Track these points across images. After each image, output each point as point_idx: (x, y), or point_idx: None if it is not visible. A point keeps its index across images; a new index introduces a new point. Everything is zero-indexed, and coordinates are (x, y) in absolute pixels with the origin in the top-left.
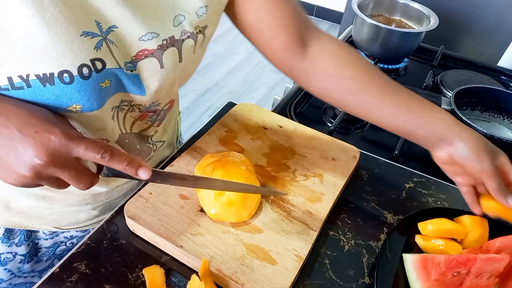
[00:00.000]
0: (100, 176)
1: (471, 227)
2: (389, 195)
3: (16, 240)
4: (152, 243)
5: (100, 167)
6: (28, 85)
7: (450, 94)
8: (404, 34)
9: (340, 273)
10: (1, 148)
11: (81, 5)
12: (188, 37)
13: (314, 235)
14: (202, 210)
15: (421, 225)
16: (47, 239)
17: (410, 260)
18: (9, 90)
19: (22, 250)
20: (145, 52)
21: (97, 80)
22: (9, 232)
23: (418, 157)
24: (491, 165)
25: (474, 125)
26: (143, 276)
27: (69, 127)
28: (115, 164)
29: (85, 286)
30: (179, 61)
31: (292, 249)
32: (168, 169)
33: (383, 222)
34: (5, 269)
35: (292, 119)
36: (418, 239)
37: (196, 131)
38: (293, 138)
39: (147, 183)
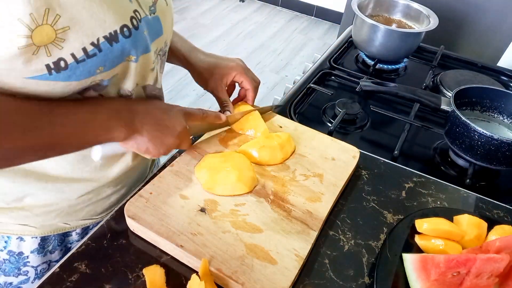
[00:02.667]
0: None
1: (468, 227)
2: (389, 195)
3: (50, 247)
4: (152, 243)
5: None
6: (100, 50)
7: (450, 94)
8: (404, 34)
9: (340, 273)
10: (156, 127)
11: None
12: None
13: (314, 235)
14: (202, 210)
15: (417, 222)
16: (79, 240)
17: (410, 260)
18: (85, 60)
19: (55, 256)
20: None
21: (142, 29)
22: (44, 241)
23: (418, 157)
24: (215, 84)
25: (474, 125)
26: (143, 276)
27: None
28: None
29: (85, 286)
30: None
31: (292, 249)
32: (168, 169)
33: (383, 222)
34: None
35: (292, 119)
36: (418, 239)
37: None
38: (293, 138)
39: (148, 182)
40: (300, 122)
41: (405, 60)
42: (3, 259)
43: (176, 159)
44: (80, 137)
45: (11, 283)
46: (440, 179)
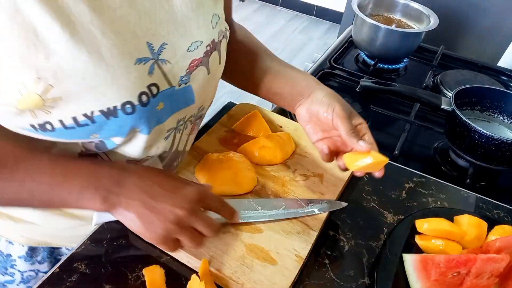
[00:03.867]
0: None
1: (468, 227)
2: (389, 195)
3: (39, 258)
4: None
5: None
6: (93, 121)
7: (450, 94)
8: (404, 34)
9: (340, 273)
10: (146, 205)
11: (131, 29)
12: (223, 36)
13: (314, 235)
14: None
15: (418, 223)
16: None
17: (410, 260)
18: (74, 128)
19: (44, 267)
20: (195, 62)
21: (154, 105)
22: (32, 250)
23: (418, 157)
24: (343, 110)
25: (474, 125)
26: (143, 276)
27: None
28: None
29: (85, 286)
30: (219, 63)
31: (292, 249)
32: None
33: (383, 222)
34: (28, 287)
35: (292, 119)
36: (418, 239)
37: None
38: (293, 138)
39: None
40: None
41: (405, 60)
42: None
43: None
44: (45, 199)
45: None
46: (441, 179)
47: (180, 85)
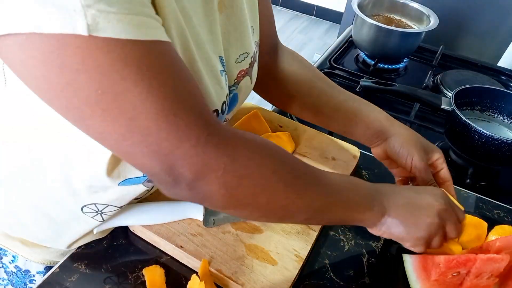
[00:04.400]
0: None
1: (468, 227)
2: None
3: None
4: (152, 243)
5: None
6: None
7: (450, 94)
8: (404, 34)
9: (340, 273)
10: (410, 207)
11: (210, 42)
12: (258, 47)
13: (314, 235)
14: None
15: None
16: None
17: (410, 260)
18: None
19: None
20: (242, 73)
21: (226, 112)
22: (49, 268)
23: None
24: (420, 160)
25: (474, 125)
26: (143, 276)
27: None
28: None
29: (85, 286)
30: (256, 74)
31: (292, 249)
32: None
33: None
34: None
35: (292, 119)
36: None
37: None
38: (293, 138)
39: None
40: (300, 121)
41: (405, 60)
42: (11, 271)
43: None
44: (340, 210)
45: None
46: None
47: (229, 94)
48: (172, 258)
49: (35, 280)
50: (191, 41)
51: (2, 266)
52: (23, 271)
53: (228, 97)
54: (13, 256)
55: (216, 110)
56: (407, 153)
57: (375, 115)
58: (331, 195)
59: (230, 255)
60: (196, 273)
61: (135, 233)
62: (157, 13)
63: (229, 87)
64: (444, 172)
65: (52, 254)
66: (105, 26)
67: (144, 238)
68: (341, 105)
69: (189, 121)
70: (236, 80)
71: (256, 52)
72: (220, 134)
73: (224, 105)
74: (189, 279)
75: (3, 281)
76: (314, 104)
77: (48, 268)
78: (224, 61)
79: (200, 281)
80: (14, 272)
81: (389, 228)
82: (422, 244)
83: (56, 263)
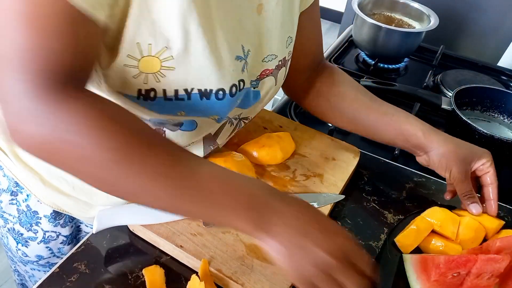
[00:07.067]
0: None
1: (468, 227)
2: (389, 195)
3: (62, 221)
4: (152, 243)
5: None
6: (189, 98)
7: (450, 94)
8: (404, 34)
9: None
10: (297, 242)
11: (236, 32)
12: (290, 58)
13: None
14: None
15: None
16: (87, 226)
17: (410, 261)
18: (172, 100)
19: (65, 231)
20: (267, 72)
21: (237, 98)
22: (56, 213)
23: None
24: (459, 172)
25: (474, 125)
26: (143, 276)
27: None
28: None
29: (85, 286)
30: (283, 77)
31: None
32: None
33: (383, 222)
34: (47, 247)
35: (292, 119)
36: None
37: None
38: (293, 138)
39: None
40: (300, 122)
41: (406, 59)
42: (22, 210)
43: None
44: (196, 205)
45: (22, 234)
46: (441, 179)
47: (254, 88)
48: (172, 258)
49: (40, 223)
50: (214, 11)
51: (16, 203)
52: (32, 211)
53: (241, 84)
54: (27, 195)
55: (223, 89)
56: (445, 166)
57: (413, 130)
58: (184, 188)
59: (230, 255)
60: (196, 273)
61: (135, 233)
62: None
63: (251, 81)
64: (489, 175)
65: (61, 201)
66: None
67: (144, 238)
68: (381, 119)
69: (28, 74)
70: (259, 77)
71: (288, 59)
72: (68, 95)
73: (234, 88)
74: (189, 279)
75: (13, 218)
76: (354, 117)
77: (55, 213)
78: (245, 51)
79: (200, 281)
80: (24, 212)
81: (270, 248)
82: (301, 285)
83: (63, 212)
